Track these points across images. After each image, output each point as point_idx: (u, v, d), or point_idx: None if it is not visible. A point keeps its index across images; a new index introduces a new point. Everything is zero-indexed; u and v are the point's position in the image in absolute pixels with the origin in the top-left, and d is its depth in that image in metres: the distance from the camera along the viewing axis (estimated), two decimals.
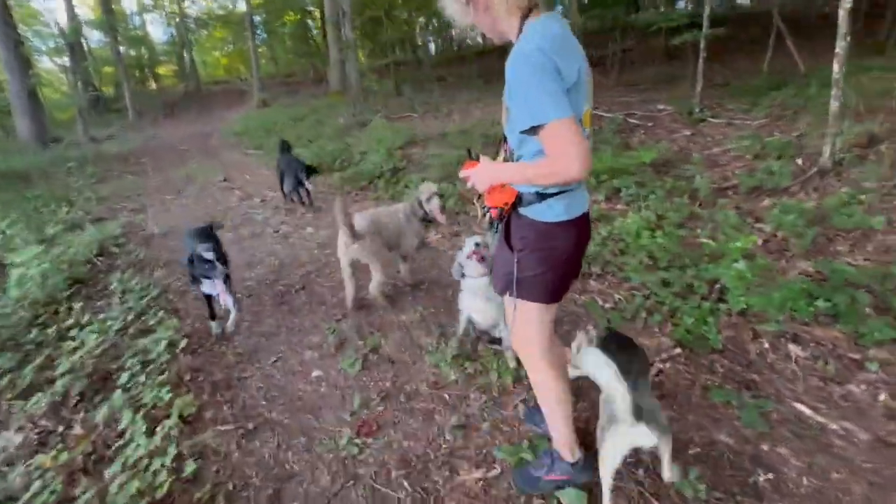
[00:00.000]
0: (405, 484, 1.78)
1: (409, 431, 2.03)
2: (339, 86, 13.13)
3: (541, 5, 1.29)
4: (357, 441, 1.98)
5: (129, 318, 2.97)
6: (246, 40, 23.19)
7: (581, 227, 1.39)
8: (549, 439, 1.84)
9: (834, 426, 1.86)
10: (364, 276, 3.03)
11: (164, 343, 2.52)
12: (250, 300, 3.29)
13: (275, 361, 2.59)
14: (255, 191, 6.21)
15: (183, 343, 2.55)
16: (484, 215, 1.40)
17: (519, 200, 1.34)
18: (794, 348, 2.28)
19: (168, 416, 2.09)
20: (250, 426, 2.12)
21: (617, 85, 8.89)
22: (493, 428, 1.99)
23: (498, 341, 2.48)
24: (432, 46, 21.08)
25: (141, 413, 2.08)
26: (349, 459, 1.90)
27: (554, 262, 1.37)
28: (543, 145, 1.18)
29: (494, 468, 1.80)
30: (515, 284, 1.38)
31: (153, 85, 24.03)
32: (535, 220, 1.34)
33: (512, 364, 2.29)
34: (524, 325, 1.48)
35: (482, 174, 1.37)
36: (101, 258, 4.16)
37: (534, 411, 2.02)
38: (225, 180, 6.92)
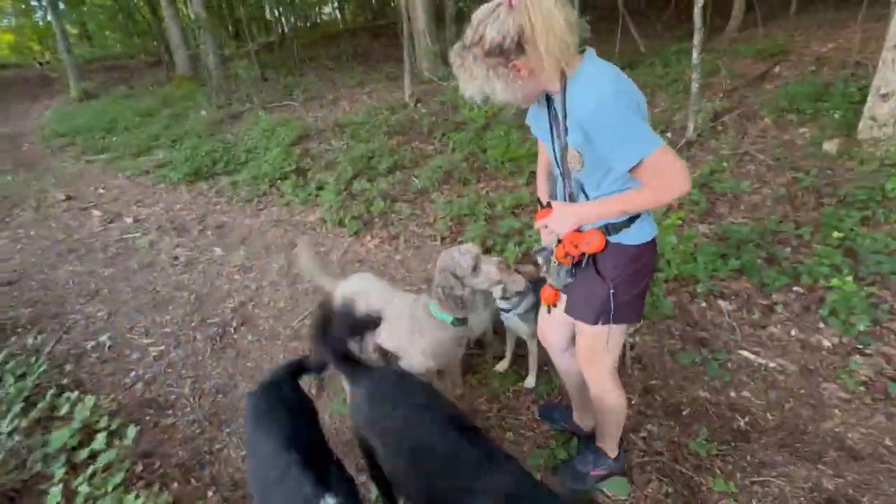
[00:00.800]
0: None
1: None
2: (187, 70, 11.31)
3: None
4: None
5: (16, 408, 2.27)
6: (34, 13, 18.33)
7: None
8: (574, 434, 1.97)
9: (772, 364, 2.32)
10: None
11: (101, 436, 1.97)
12: (180, 351, 2.77)
13: None
14: (121, 208, 5.11)
15: (132, 431, 2.03)
16: (571, 261, 1.37)
17: (606, 231, 1.34)
18: (723, 304, 2.75)
19: None
20: None
21: None
22: (518, 436, 2.04)
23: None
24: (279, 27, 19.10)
25: None
26: None
27: (646, 279, 1.44)
28: (644, 175, 1.20)
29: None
30: (614, 312, 1.39)
31: None
32: (625, 245, 1.35)
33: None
34: (613, 348, 1.52)
35: (563, 218, 1.35)
36: None
37: (549, 408, 2.12)
38: (69, 198, 5.55)
